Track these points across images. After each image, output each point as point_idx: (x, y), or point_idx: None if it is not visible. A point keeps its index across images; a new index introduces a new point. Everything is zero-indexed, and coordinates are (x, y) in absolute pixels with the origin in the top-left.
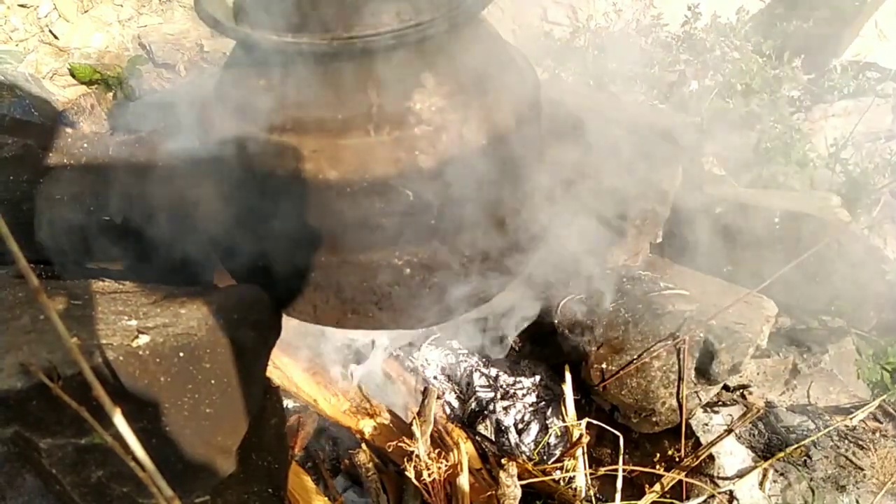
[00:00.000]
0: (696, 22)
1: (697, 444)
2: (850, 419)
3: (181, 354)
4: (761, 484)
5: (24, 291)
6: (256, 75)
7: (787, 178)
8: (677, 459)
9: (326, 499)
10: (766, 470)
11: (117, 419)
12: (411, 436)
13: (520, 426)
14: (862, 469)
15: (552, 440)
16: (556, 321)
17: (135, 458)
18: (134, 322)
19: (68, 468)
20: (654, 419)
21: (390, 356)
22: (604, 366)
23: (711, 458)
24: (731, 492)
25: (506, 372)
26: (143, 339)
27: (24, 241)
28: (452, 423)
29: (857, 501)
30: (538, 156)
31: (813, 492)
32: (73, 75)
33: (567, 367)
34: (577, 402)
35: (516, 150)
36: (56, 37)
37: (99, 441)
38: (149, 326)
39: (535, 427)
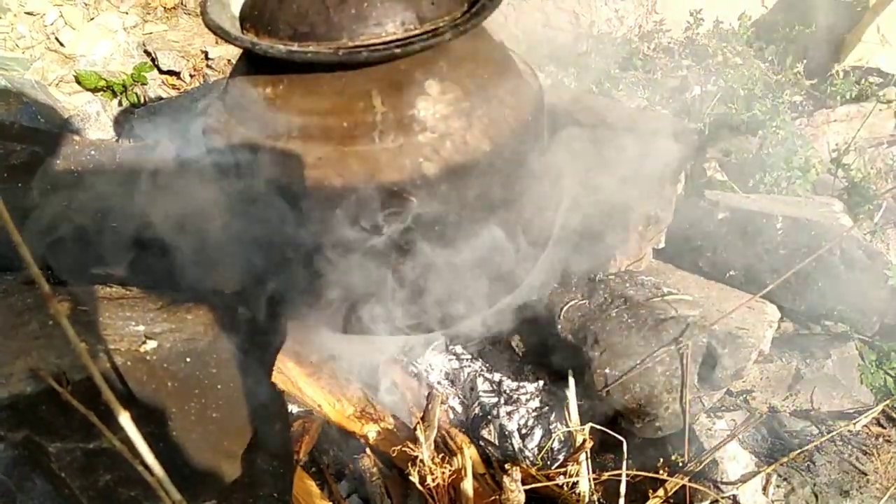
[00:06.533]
0: (698, 27)
1: (701, 449)
2: (854, 424)
3: (188, 359)
4: (765, 489)
5: (32, 297)
6: (262, 83)
7: (789, 183)
8: (680, 464)
9: (330, 503)
10: (769, 475)
11: (126, 422)
12: (415, 441)
13: (523, 431)
14: (866, 474)
15: (556, 445)
16: (559, 326)
17: (143, 463)
18: (141, 327)
19: (77, 472)
20: (657, 424)
21: (394, 361)
22: (607, 371)
23: (715, 463)
24: (734, 497)
25: (509, 377)
26: (151, 345)
27: (33, 247)
28: (456, 427)
29: None
30: (542, 162)
31: (816, 497)
32: (78, 82)
33: (570, 372)
34: (580, 408)
35: (520, 156)
36: (62, 44)
37: (107, 445)
38: (156, 332)
39: (538, 432)
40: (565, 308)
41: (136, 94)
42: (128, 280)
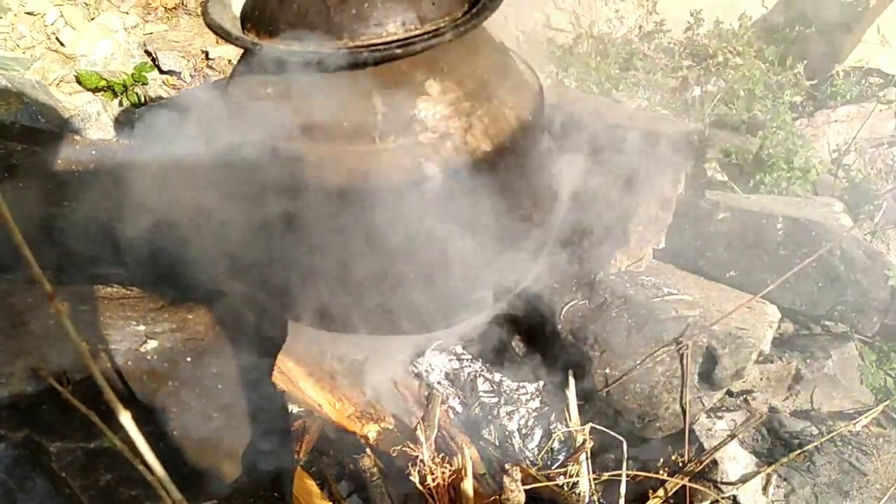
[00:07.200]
0: (698, 28)
1: (701, 449)
2: (854, 424)
3: (189, 359)
4: (765, 489)
5: (33, 297)
6: (263, 83)
7: (789, 183)
8: (681, 465)
9: (330, 503)
10: (769, 475)
11: (126, 421)
12: (416, 441)
13: (523, 431)
14: (865, 474)
15: (556, 445)
16: (559, 326)
17: (143, 462)
18: (142, 327)
19: (78, 472)
20: (657, 424)
21: (395, 361)
22: (607, 371)
23: (715, 463)
24: (734, 497)
25: (509, 377)
26: (152, 344)
27: (33, 247)
28: (456, 428)
29: None
30: (542, 162)
31: (816, 497)
32: (79, 82)
33: (571, 372)
34: (580, 408)
35: (520, 156)
36: (62, 44)
37: (108, 445)
38: (157, 331)
39: (538, 432)
40: (565, 308)
41: (137, 94)
42: (129, 280)
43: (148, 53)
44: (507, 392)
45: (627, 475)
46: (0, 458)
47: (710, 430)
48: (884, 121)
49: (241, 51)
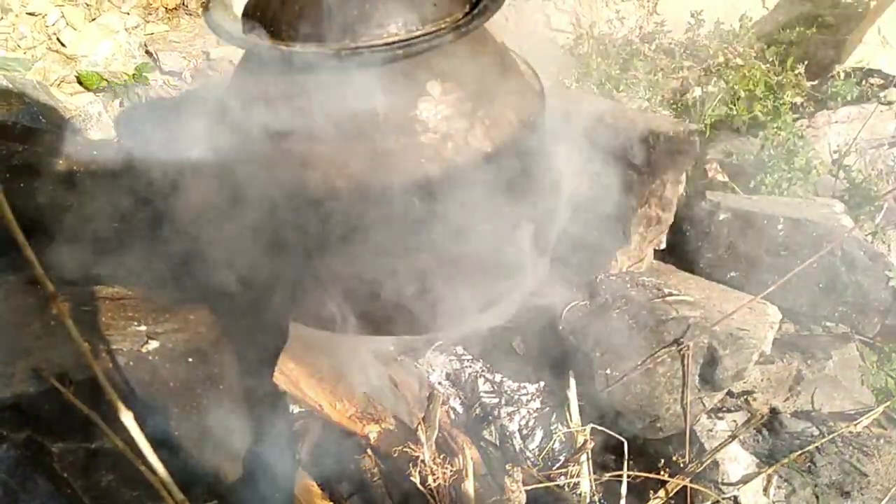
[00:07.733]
0: (699, 29)
1: (702, 450)
2: (855, 425)
3: (190, 360)
4: (765, 490)
5: (34, 298)
6: (265, 84)
7: (790, 184)
8: (681, 465)
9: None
10: (770, 476)
11: (128, 422)
12: (416, 441)
13: (524, 432)
14: (866, 475)
15: (557, 446)
16: (560, 327)
17: (145, 463)
18: (144, 328)
19: (79, 472)
20: (658, 425)
21: (396, 362)
22: (608, 371)
23: (716, 464)
24: (735, 498)
25: (510, 378)
26: (153, 345)
27: (35, 247)
28: (457, 428)
29: None
30: (543, 162)
31: (818, 498)
32: (80, 83)
33: (571, 372)
34: (581, 408)
35: (521, 157)
36: (63, 44)
37: (110, 445)
38: (158, 332)
39: (539, 433)
40: (566, 308)
41: (138, 94)
42: (130, 280)
43: (149, 54)
44: (508, 392)
45: (628, 476)
46: (2, 459)
47: (710, 430)
48: (884, 122)
49: (242, 52)
